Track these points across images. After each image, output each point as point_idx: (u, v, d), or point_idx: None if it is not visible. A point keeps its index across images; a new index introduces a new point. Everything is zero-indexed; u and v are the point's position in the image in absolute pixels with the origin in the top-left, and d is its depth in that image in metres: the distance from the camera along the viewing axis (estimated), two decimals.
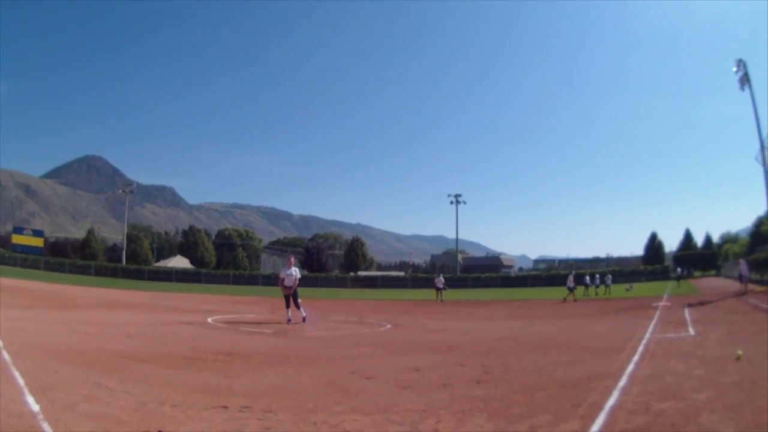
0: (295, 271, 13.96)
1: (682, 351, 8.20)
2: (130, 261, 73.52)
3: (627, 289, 37.44)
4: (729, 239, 74.16)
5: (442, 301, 29.22)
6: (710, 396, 5.03)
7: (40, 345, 8.17)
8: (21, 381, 5.30)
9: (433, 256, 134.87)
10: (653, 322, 13.35)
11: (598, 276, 38.34)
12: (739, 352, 7.30)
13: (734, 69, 25.92)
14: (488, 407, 4.79)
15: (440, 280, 31.46)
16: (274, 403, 4.96)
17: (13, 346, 7.48)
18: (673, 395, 5.10)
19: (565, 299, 26.87)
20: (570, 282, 28.05)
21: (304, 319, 13.58)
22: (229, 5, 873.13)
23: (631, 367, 6.74)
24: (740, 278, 26.13)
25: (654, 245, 76.30)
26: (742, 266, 26.30)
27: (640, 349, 8.46)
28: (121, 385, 5.52)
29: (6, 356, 6.66)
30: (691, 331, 11.03)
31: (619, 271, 55.67)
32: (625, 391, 5.31)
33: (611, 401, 4.86)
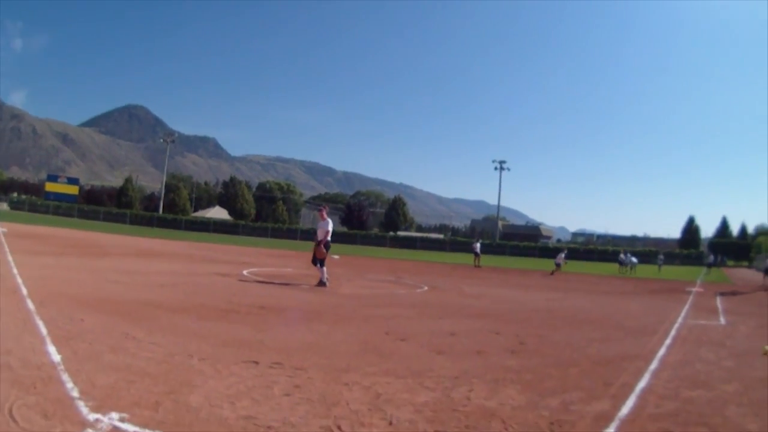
0: (327, 224, 12.32)
1: (713, 339, 8.10)
2: (167, 210, 74.47)
3: (659, 266, 37.47)
4: (763, 231, 72.24)
5: (479, 266, 29.15)
6: (737, 389, 4.97)
7: (67, 293, 7.95)
8: (44, 330, 5.18)
9: (473, 221, 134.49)
10: (686, 306, 13.13)
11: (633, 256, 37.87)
12: (766, 347, 7.19)
13: None
14: (521, 379, 4.83)
15: (477, 246, 31.55)
16: (306, 360, 4.95)
17: (39, 295, 7.31)
18: (702, 384, 5.07)
19: (552, 272, 26.44)
20: (559, 259, 27.92)
21: (321, 283, 12.04)
22: None
23: (662, 350, 6.70)
24: (766, 272, 25.52)
25: (691, 229, 74.79)
26: None
27: (672, 333, 8.39)
28: (149, 335, 5.46)
29: (30, 305, 6.53)
30: (722, 321, 10.83)
31: (655, 251, 54.55)
32: (656, 374, 5.30)
33: (642, 384, 4.86)
